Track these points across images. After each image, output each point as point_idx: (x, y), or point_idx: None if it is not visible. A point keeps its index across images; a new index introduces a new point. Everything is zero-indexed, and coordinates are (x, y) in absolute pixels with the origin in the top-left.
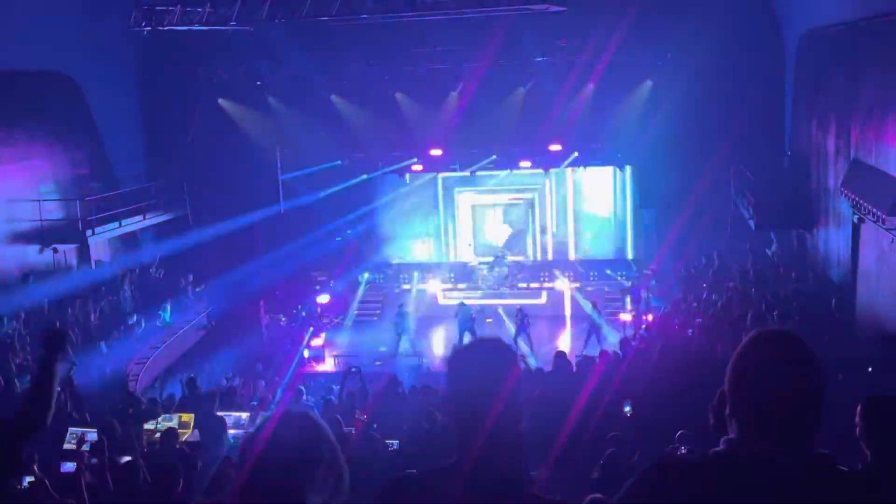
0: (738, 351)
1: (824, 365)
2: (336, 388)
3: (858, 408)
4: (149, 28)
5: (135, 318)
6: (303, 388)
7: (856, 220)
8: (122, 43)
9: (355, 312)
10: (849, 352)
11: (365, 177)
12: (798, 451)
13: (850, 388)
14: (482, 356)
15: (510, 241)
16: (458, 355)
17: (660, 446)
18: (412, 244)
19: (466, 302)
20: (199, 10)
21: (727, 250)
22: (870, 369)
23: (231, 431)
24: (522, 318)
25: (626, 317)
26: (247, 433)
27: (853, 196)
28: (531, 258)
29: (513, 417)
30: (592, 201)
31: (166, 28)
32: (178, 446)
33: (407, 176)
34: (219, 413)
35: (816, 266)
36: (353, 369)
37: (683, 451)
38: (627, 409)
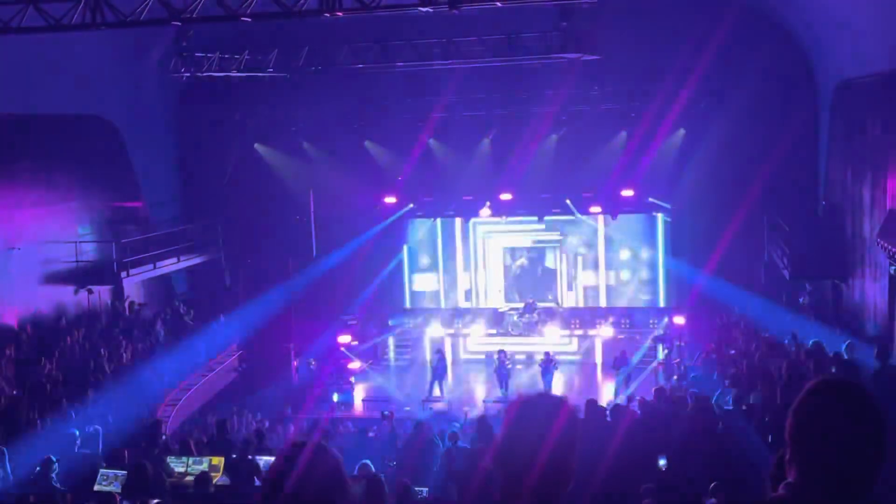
0: (800, 399)
1: (884, 416)
2: (372, 432)
3: None
4: (188, 74)
5: None
6: (330, 428)
7: (892, 272)
8: (161, 88)
9: (384, 357)
10: (888, 402)
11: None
12: (857, 501)
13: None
14: (543, 413)
15: (536, 286)
16: (518, 408)
17: (694, 497)
18: (441, 288)
19: (501, 349)
20: (237, 56)
21: (762, 299)
22: None
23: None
24: (548, 362)
25: (658, 365)
26: (270, 466)
27: (890, 247)
28: (561, 304)
29: (563, 477)
30: (624, 248)
31: (204, 74)
32: (210, 490)
33: (438, 220)
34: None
35: (852, 317)
36: (386, 413)
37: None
38: (662, 462)
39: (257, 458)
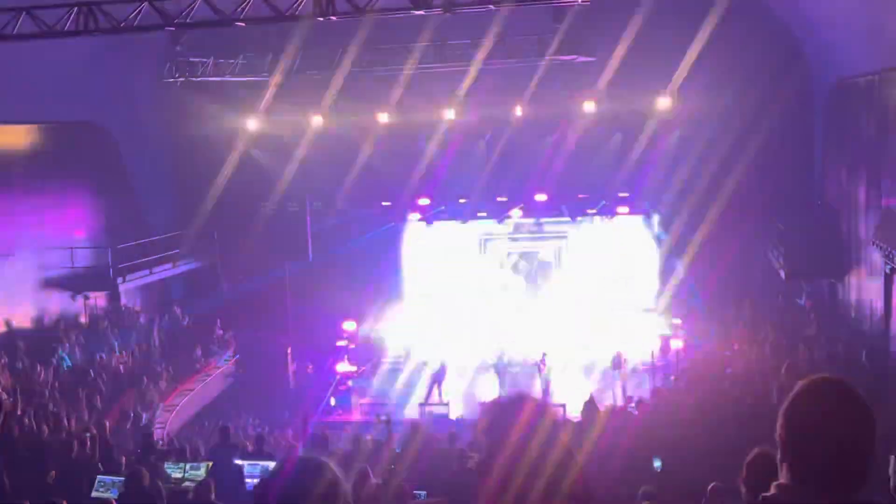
0: (792, 397)
1: (875, 414)
2: (369, 436)
3: (893, 461)
4: (182, 79)
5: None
6: (328, 434)
7: (888, 271)
8: (155, 93)
9: (382, 360)
10: (883, 402)
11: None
12: (847, 499)
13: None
14: (515, 410)
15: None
16: (492, 409)
17: (692, 499)
18: (437, 292)
19: (502, 351)
20: (232, 61)
21: (758, 299)
22: None
23: (249, 481)
24: (543, 363)
25: (656, 365)
26: (262, 479)
27: (885, 246)
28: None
29: (556, 471)
30: (621, 249)
31: (199, 79)
32: (211, 498)
33: (435, 222)
34: (242, 462)
35: (848, 316)
36: (383, 417)
37: None
38: (658, 464)
39: (255, 463)
